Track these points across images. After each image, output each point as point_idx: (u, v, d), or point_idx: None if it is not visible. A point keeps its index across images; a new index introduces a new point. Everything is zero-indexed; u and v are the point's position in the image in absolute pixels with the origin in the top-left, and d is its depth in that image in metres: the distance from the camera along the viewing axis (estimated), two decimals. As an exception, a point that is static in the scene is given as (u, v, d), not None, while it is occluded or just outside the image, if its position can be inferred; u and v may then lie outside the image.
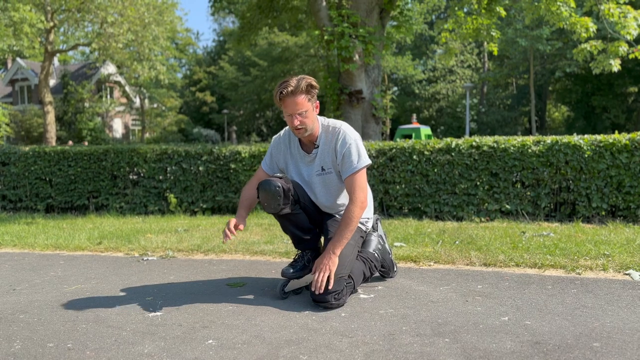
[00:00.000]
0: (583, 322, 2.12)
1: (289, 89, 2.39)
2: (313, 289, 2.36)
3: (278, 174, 2.56)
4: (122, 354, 1.93)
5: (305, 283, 2.77)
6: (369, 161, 2.50)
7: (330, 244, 2.41)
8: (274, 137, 2.75)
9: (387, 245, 2.89)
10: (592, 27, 8.17)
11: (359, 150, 2.48)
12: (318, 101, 2.55)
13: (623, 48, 8.16)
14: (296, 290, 2.70)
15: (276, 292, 2.64)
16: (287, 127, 2.71)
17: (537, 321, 2.15)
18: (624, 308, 2.29)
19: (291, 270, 2.60)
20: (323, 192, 2.61)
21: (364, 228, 2.68)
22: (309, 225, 2.63)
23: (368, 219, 2.71)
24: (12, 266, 3.59)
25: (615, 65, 8.40)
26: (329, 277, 2.36)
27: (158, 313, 2.41)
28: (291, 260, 2.85)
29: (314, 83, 2.45)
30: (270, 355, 1.88)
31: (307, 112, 2.44)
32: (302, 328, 2.16)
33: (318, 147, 2.56)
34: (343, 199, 2.61)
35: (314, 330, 2.12)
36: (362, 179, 2.47)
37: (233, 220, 2.50)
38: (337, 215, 2.67)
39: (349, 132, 2.51)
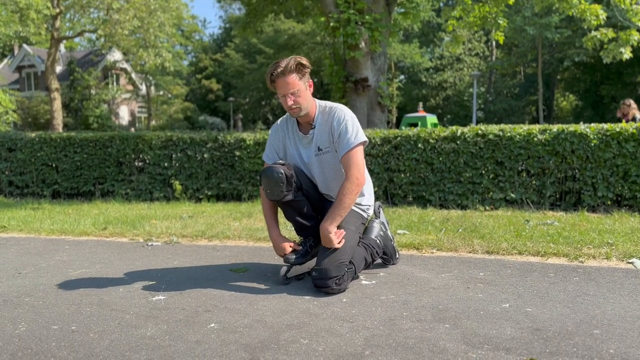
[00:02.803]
0: (584, 310, 2.12)
1: (279, 70, 2.42)
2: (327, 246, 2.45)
3: (280, 161, 2.56)
4: (125, 336, 1.96)
5: (307, 269, 2.78)
6: (364, 138, 2.50)
7: (323, 222, 2.44)
8: (272, 126, 2.75)
9: (389, 232, 2.89)
10: (602, 15, 8.06)
11: (354, 127, 2.48)
12: (312, 80, 2.55)
13: (635, 37, 8.06)
14: (298, 276, 2.72)
15: (279, 277, 2.66)
16: (284, 115, 2.72)
17: (538, 308, 2.15)
18: (626, 296, 2.29)
19: (294, 257, 2.62)
20: (320, 173, 2.62)
21: (365, 215, 2.69)
22: (312, 213, 2.64)
23: (369, 206, 2.72)
24: (18, 250, 3.63)
25: (627, 53, 8.29)
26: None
27: (161, 297, 2.43)
28: (294, 246, 2.86)
29: (304, 62, 2.47)
30: (271, 339, 1.90)
31: (299, 91, 2.45)
32: (303, 313, 2.17)
33: (315, 127, 2.56)
34: (340, 180, 2.56)
35: (315, 315, 2.14)
36: (358, 156, 2.46)
37: (286, 245, 2.59)
38: None
39: (344, 111, 2.52)
